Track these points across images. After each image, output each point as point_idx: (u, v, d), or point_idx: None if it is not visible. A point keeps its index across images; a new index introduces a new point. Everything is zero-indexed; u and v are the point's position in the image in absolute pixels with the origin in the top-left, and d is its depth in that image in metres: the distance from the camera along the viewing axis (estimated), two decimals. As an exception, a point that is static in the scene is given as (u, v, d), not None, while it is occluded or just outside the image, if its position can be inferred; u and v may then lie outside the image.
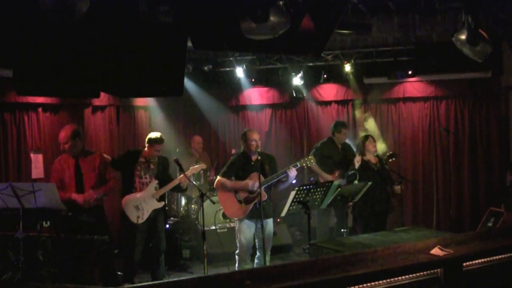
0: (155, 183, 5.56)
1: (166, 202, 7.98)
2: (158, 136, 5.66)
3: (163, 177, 5.70)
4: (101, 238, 4.90)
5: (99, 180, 5.25)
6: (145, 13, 3.55)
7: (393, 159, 6.51)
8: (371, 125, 8.35)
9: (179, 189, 5.86)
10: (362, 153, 6.14)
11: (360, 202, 5.81)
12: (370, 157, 6.13)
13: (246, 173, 5.35)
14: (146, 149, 5.65)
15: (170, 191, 6.42)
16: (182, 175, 5.58)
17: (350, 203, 5.82)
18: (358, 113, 8.64)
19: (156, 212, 5.58)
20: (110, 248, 5.20)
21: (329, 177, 6.64)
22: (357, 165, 6.06)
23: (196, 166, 5.86)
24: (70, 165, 5.19)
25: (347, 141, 7.24)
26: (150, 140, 5.64)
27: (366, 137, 6.23)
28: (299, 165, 5.29)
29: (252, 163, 5.36)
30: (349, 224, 6.46)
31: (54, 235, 5.02)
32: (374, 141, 6.18)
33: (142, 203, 5.47)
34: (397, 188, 6.15)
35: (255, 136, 5.35)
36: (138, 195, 5.48)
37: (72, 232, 4.93)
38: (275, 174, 5.27)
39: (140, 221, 5.43)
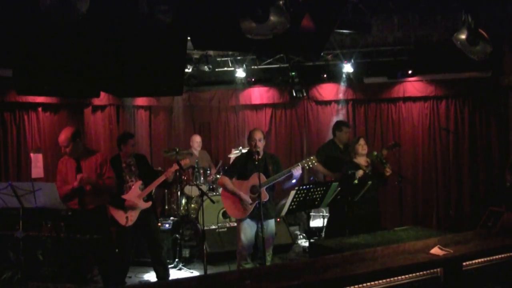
0: (139, 184, 5.48)
1: (166, 202, 8.04)
2: (126, 131, 5.65)
3: (147, 175, 5.62)
4: (101, 238, 4.89)
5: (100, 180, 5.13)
6: (145, 13, 3.55)
7: (397, 147, 6.22)
8: None
9: (166, 184, 5.81)
10: (354, 156, 5.90)
11: (357, 203, 5.73)
12: (360, 160, 5.85)
13: (248, 173, 5.34)
14: (122, 151, 5.56)
15: (159, 188, 6.34)
16: (166, 171, 5.57)
17: None
18: None
19: (145, 212, 5.50)
20: (110, 248, 5.19)
21: (337, 176, 6.32)
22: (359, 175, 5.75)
23: (172, 169, 5.69)
24: (72, 166, 5.09)
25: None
26: (122, 138, 5.59)
27: (357, 139, 6.02)
28: (300, 166, 5.26)
29: (256, 162, 5.34)
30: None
31: (54, 235, 5.03)
32: (366, 143, 5.93)
33: (129, 205, 5.42)
34: (384, 152, 6.08)
35: (257, 135, 5.31)
36: (124, 197, 5.40)
37: (72, 232, 4.92)
38: (277, 175, 5.26)
39: (129, 223, 5.36)
